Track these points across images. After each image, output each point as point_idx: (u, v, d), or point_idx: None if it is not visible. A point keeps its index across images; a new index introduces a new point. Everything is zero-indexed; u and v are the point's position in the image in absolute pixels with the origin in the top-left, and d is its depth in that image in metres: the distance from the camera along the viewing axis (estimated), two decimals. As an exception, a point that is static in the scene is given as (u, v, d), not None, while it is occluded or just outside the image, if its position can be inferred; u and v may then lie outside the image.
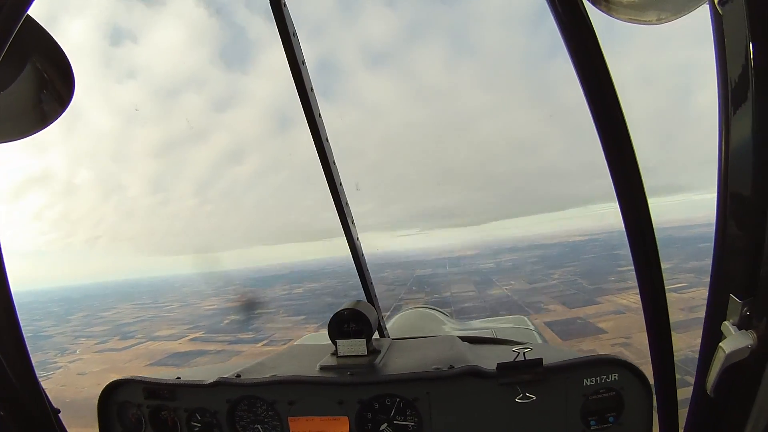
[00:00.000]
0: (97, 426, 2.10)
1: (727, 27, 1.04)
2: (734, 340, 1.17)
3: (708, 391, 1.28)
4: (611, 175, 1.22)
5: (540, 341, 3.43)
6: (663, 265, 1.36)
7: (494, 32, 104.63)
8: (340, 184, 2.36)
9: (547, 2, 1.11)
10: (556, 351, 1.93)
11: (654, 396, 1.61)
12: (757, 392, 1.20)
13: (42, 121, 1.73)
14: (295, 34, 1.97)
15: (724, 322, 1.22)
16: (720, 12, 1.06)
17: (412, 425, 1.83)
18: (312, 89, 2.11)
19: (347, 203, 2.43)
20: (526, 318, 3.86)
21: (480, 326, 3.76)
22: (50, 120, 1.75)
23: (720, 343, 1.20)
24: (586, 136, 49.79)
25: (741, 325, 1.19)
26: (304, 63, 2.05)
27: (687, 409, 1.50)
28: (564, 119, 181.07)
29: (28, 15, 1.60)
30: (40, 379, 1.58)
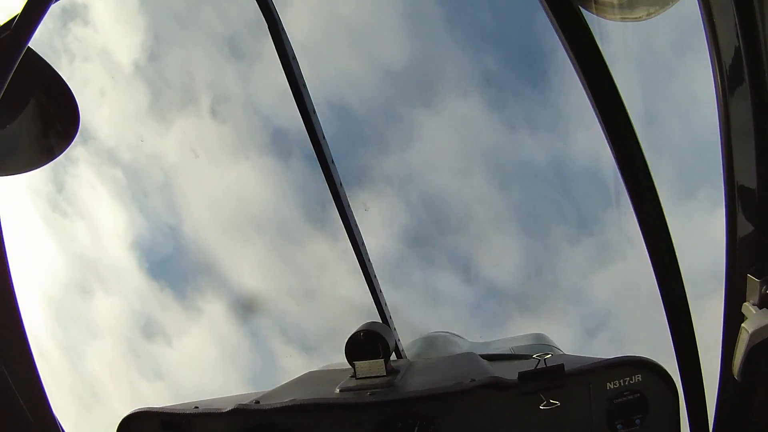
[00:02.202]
0: None
1: (716, 10, 1.08)
2: (756, 320, 1.17)
3: (735, 375, 1.27)
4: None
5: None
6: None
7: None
8: (346, 198, 2.39)
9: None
10: (577, 359, 1.90)
11: (680, 394, 1.59)
12: None
13: (48, 154, 1.75)
14: (294, 58, 2.03)
15: (744, 303, 1.23)
16: None
17: None
18: (314, 112, 2.17)
19: (356, 225, 2.44)
20: (545, 334, 3.78)
21: (499, 345, 3.68)
22: (56, 153, 1.77)
23: (742, 324, 1.20)
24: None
25: (762, 304, 1.19)
26: (305, 86, 2.11)
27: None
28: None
29: (30, 49, 1.65)
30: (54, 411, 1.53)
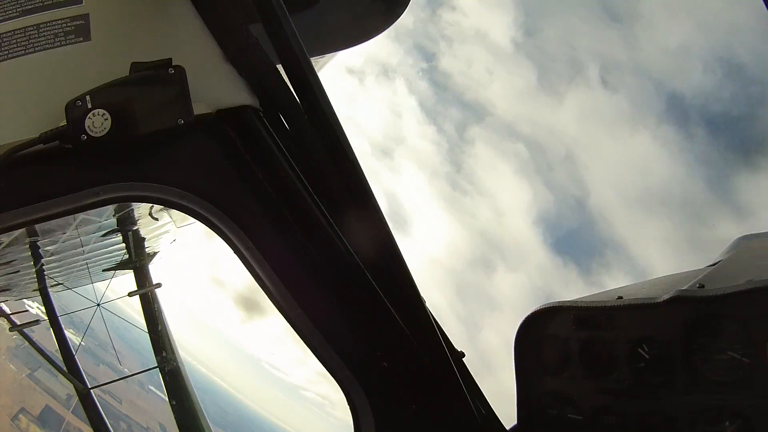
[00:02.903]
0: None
1: None
2: None
3: None
4: None
5: None
6: None
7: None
8: None
9: None
10: None
11: None
12: None
13: (387, 17, 1.71)
14: None
15: None
16: None
17: None
18: None
19: None
20: None
21: None
22: (390, 22, 1.72)
23: None
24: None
25: None
26: None
27: None
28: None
29: None
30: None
